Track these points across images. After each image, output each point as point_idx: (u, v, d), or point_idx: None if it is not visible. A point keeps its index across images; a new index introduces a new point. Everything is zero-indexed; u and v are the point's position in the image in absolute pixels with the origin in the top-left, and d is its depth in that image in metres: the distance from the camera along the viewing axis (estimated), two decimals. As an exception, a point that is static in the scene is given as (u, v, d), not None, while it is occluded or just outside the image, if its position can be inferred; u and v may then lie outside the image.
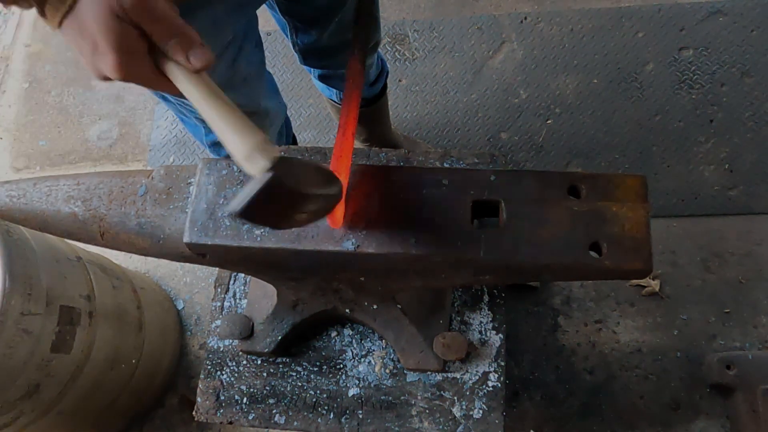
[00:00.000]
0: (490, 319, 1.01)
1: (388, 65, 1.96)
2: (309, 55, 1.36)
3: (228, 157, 0.72)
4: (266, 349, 0.97)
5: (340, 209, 0.75)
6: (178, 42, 0.61)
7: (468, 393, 0.97)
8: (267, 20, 1.31)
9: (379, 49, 1.53)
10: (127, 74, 0.62)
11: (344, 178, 0.76)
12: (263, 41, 1.24)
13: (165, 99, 1.19)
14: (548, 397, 1.68)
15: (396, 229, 0.75)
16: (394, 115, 2.06)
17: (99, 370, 1.45)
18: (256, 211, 0.59)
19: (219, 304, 1.08)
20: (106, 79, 0.64)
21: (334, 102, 1.65)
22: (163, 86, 0.65)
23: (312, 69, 1.47)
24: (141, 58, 0.62)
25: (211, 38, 0.97)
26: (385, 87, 1.69)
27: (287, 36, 1.31)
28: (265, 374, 1.02)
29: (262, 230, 0.77)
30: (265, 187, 0.57)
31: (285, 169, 0.60)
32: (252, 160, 0.61)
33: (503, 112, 2.02)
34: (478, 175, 0.77)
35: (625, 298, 1.75)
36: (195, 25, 0.91)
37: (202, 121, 1.31)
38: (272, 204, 0.59)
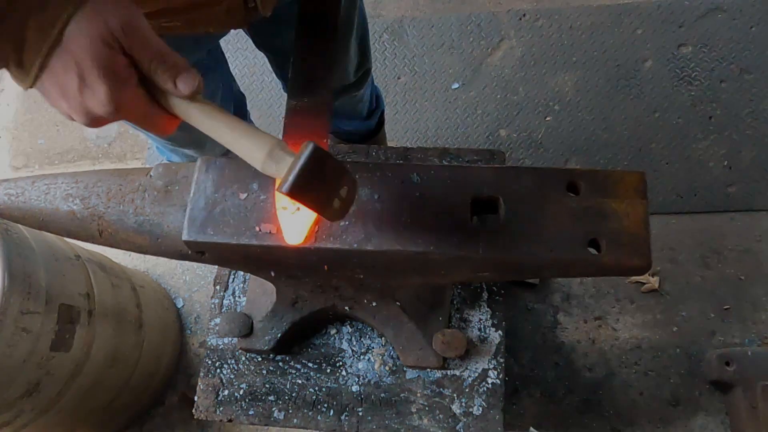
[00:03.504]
0: (489, 316, 1.01)
1: (388, 62, 1.95)
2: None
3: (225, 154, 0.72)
4: (266, 347, 0.97)
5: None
6: (166, 69, 0.59)
7: (467, 390, 0.97)
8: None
9: (377, 62, 1.49)
10: (119, 106, 0.58)
11: None
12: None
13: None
14: (548, 393, 1.68)
15: (395, 227, 0.75)
16: (393, 113, 2.06)
17: (98, 369, 1.45)
18: (302, 188, 0.58)
19: (218, 301, 1.08)
20: (96, 121, 0.60)
21: None
22: (156, 120, 0.63)
23: None
24: (132, 87, 0.59)
25: None
26: (381, 123, 1.66)
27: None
28: (264, 372, 1.02)
29: (261, 227, 0.76)
30: (310, 156, 0.57)
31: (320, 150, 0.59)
32: (275, 159, 0.60)
33: (502, 110, 2.02)
34: (478, 172, 0.77)
35: (624, 295, 1.75)
36: None
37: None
38: (317, 179, 0.59)
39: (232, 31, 1.04)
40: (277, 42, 1.15)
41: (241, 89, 1.40)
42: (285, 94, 1.40)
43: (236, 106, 1.29)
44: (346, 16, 1.13)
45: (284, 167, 0.59)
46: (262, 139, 0.61)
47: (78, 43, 0.55)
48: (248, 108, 1.42)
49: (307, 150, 0.58)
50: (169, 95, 0.62)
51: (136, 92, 0.60)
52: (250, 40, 1.20)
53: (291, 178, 0.57)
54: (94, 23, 0.55)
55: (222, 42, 1.14)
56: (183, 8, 0.79)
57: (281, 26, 1.07)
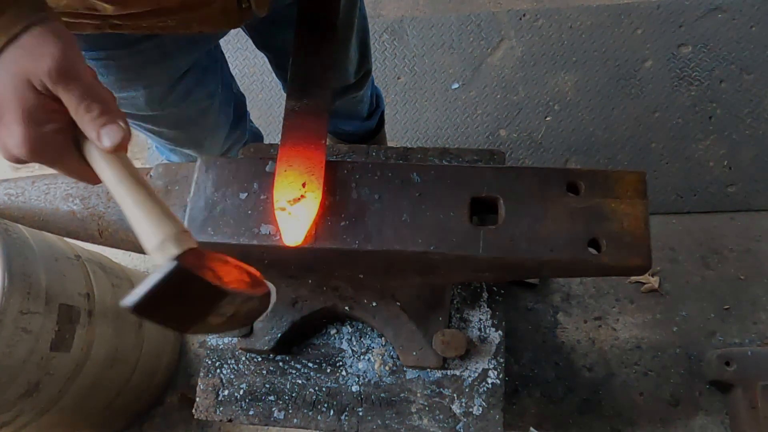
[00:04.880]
0: (489, 316, 1.01)
1: (388, 62, 1.95)
2: None
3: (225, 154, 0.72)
4: (265, 347, 0.97)
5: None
6: (92, 117, 0.55)
7: (467, 390, 0.97)
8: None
9: (377, 62, 1.48)
10: (34, 150, 0.54)
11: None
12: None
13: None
14: (548, 393, 1.68)
15: (395, 227, 0.75)
16: (393, 113, 2.06)
17: (99, 369, 1.45)
18: (154, 307, 0.50)
19: (218, 302, 1.08)
20: (14, 160, 0.55)
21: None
22: (77, 170, 0.58)
23: None
24: (54, 132, 0.55)
25: (159, 69, 0.97)
26: (381, 123, 1.66)
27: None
28: (264, 372, 1.02)
29: (261, 227, 0.76)
30: (166, 278, 0.48)
31: (198, 261, 0.53)
32: (163, 250, 0.54)
33: (502, 110, 2.02)
34: (477, 172, 0.77)
35: (624, 295, 1.75)
36: (141, 56, 0.90)
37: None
38: (177, 299, 0.50)
39: (232, 31, 1.04)
40: (277, 42, 1.15)
41: (242, 89, 1.40)
42: (285, 94, 1.40)
43: (236, 107, 1.29)
44: (346, 17, 1.13)
45: (168, 260, 0.53)
46: (160, 225, 0.55)
47: (1, 79, 0.53)
48: (248, 108, 1.42)
49: (167, 268, 0.49)
50: (89, 145, 0.57)
51: (56, 138, 0.55)
52: (250, 40, 1.20)
53: (137, 297, 0.48)
54: (20, 64, 0.52)
55: (222, 42, 1.14)
56: (176, 8, 0.79)
57: (280, 26, 1.07)
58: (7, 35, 0.52)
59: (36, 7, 0.55)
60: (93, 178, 0.59)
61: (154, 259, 0.55)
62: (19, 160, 0.56)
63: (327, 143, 0.83)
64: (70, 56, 0.54)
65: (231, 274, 0.56)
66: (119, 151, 0.57)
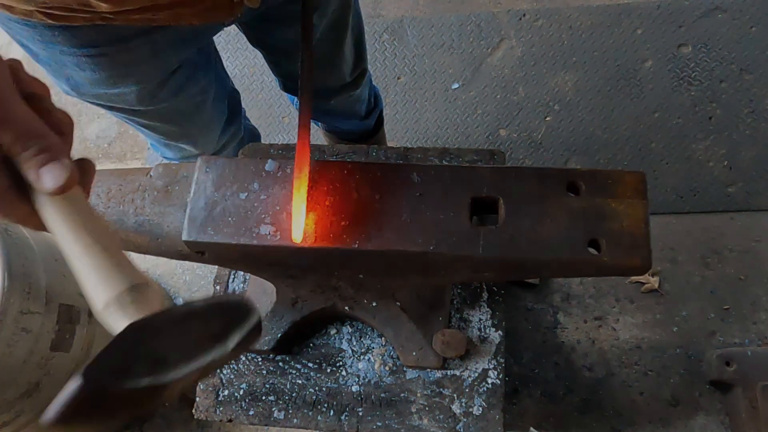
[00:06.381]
0: (489, 316, 1.01)
1: (388, 62, 1.95)
2: (287, 84, 1.33)
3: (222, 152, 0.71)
4: (265, 347, 0.97)
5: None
6: (31, 155, 0.47)
7: (467, 390, 0.97)
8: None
9: (377, 62, 1.49)
10: None
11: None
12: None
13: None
14: (548, 393, 1.68)
15: (395, 227, 0.75)
16: (393, 113, 2.06)
17: (98, 369, 1.45)
18: (77, 421, 0.42)
19: (218, 302, 1.08)
20: None
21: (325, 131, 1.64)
22: (19, 212, 0.49)
23: (292, 97, 1.43)
24: None
25: (150, 66, 0.96)
26: (380, 123, 1.66)
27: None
28: (264, 372, 1.02)
29: (261, 227, 0.76)
30: (72, 398, 0.40)
31: (133, 343, 0.44)
32: (109, 314, 0.47)
33: (502, 110, 2.02)
34: (477, 172, 0.77)
35: (624, 295, 1.75)
36: (132, 52, 0.90)
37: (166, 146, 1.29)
38: (99, 409, 0.43)
39: (231, 30, 1.04)
40: (271, 39, 1.15)
41: (241, 89, 1.40)
42: (284, 93, 1.40)
43: (230, 104, 1.29)
44: (341, 17, 1.13)
45: (113, 328, 0.46)
46: (113, 280, 0.48)
47: None
48: (248, 107, 1.42)
49: (71, 388, 0.40)
50: (30, 187, 0.49)
51: None
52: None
53: (50, 412, 0.41)
54: None
55: (222, 42, 1.14)
56: (168, 4, 0.79)
57: (274, 24, 1.07)
58: None
59: None
60: (38, 224, 0.51)
61: (101, 321, 0.48)
62: None
63: (327, 143, 0.83)
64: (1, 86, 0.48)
65: (199, 328, 0.48)
66: (65, 191, 0.48)
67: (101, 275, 0.48)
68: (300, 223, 0.75)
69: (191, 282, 1.97)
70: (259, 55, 1.24)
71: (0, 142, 0.46)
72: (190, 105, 1.12)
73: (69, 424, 0.42)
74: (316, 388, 1.00)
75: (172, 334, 0.47)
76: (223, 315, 0.51)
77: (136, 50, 0.90)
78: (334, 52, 1.20)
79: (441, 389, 0.97)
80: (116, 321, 0.47)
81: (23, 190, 0.48)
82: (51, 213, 0.49)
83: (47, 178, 0.47)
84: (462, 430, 0.94)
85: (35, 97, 0.51)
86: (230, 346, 0.49)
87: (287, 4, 0.97)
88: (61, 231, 0.49)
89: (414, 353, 0.95)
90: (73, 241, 0.48)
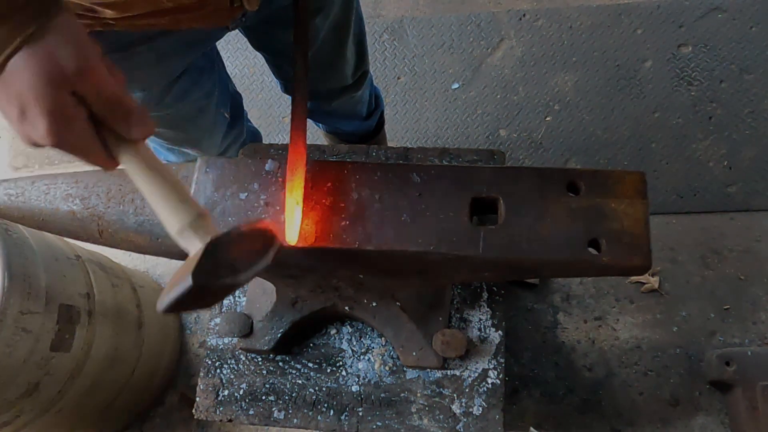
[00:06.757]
0: (489, 316, 1.01)
1: (388, 62, 1.95)
2: (289, 86, 1.34)
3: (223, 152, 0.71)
4: (266, 347, 0.97)
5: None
6: (119, 114, 0.59)
7: (467, 390, 0.97)
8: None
9: (377, 62, 1.49)
10: (59, 142, 0.57)
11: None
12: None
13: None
14: (548, 393, 1.68)
15: (395, 227, 0.75)
16: (393, 113, 2.06)
17: (98, 369, 1.45)
18: (181, 308, 0.60)
19: (218, 302, 1.08)
20: (37, 146, 0.58)
21: (326, 132, 1.64)
22: (99, 157, 0.61)
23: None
24: (78, 124, 0.57)
25: (155, 72, 0.97)
26: (381, 123, 1.66)
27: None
28: (264, 372, 1.02)
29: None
30: (185, 294, 0.57)
31: (214, 256, 0.58)
32: (184, 237, 0.61)
33: (502, 110, 2.02)
34: (477, 172, 0.77)
35: (624, 295, 1.75)
36: (136, 58, 0.91)
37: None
38: (198, 299, 0.60)
39: (231, 32, 1.04)
40: (273, 43, 1.15)
41: (241, 89, 1.40)
42: (284, 95, 1.40)
43: (233, 107, 1.29)
44: (343, 19, 1.13)
45: (191, 246, 0.61)
46: (180, 211, 0.61)
47: (20, 77, 0.53)
48: (248, 108, 1.42)
49: (184, 287, 0.56)
50: (110, 134, 0.60)
51: (81, 130, 0.58)
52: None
53: (166, 303, 0.58)
54: (42, 62, 0.53)
55: (222, 42, 1.14)
56: (170, 10, 0.79)
57: (277, 27, 1.07)
58: (23, 34, 0.53)
59: (51, 3, 0.55)
60: (111, 166, 0.62)
61: (176, 241, 0.62)
62: (41, 148, 0.59)
63: (327, 143, 0.83)
64: (92, 57, 0.56)
65: (246, 244, 0.63)
66: (146, 138, 0.61)
67: (174, 207, 0.61)
68: (294, 225, 0.75)
69: (191, 282, 1.96)
70: (259, 55, 1.24)
71: (91, 104, 0.57)
72: (194, 110, 1.13)
73: (175, 311, 0.60)
74: (316, 388, 1.00)
75: (234, 248, 0.61)
76: (260, 236, 0.65)
77: (141, 56, 0.91)
78: (336, 54, 1.20)
79: (441, 389, 0.97)
80: (190, 242, 0.61)
81: (103, 142, 0.60)
82: (132, 158, 0.61)
83: (136, 130, 0.59)
84: (462, 430, 0.94)
85: (110, 69, 0.60)
86: (270, 257, 0.63)
87: (290, 7, 0.97)
88: (140, 172, 0.61)
89: (414, 353, 0.95)
90: (150, 181, 0.61)
